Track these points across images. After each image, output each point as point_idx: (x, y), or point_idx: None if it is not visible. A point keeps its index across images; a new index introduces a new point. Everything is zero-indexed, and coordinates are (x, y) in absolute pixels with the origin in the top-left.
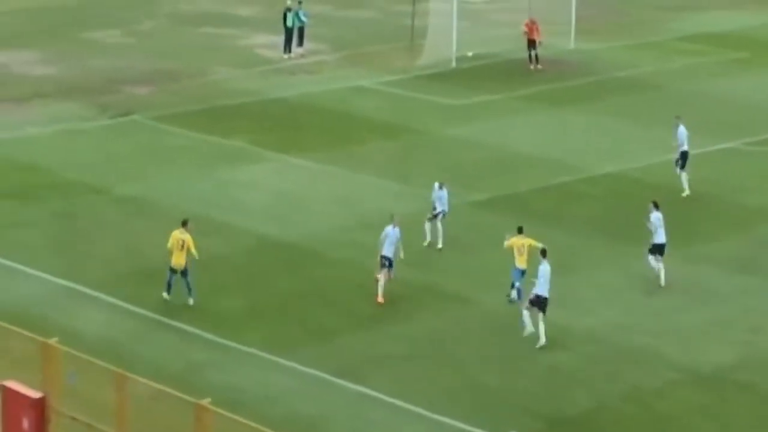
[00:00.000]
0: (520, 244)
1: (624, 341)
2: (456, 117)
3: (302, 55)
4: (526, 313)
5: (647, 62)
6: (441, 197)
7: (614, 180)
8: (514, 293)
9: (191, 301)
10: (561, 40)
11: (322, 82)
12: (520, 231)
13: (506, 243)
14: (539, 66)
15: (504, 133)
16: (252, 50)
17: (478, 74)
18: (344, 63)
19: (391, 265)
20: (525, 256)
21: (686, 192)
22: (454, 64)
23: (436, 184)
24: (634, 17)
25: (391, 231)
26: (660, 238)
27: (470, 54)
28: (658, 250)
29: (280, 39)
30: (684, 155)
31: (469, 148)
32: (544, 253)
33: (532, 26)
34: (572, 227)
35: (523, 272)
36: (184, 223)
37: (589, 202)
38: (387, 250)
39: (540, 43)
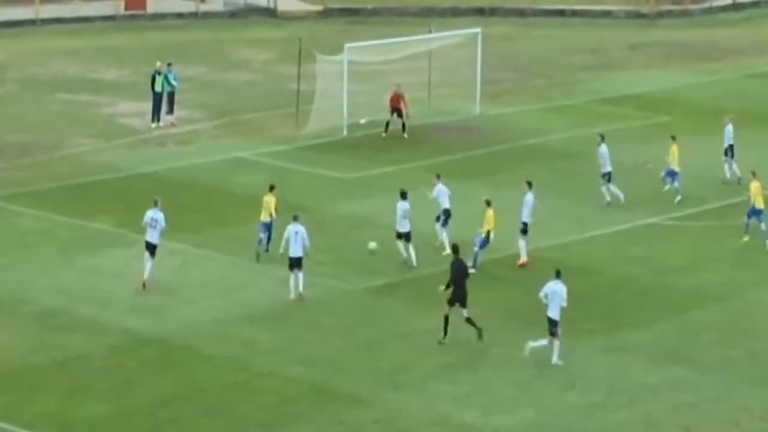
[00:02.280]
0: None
1: None
2: (349, 192)
3: (173, 124)
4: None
5: (562, 128)
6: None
7: (529, 260)
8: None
9: None
10: (466, 104)
11: (196, 155)
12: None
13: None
14: (405, 135)
15: None
16: (116, 119)
17: (373, 144)
18: (221, 132)
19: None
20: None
21: (446, 251)
22: (345, 132)
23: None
24: (547, 78)
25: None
26: (404, 227)
27: (363, 121)
28: (404, 237)
29: (148, 106)
30: (446, 213)
31: (364, 227)
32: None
33: (398, 99)
34: (483, 314)
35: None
36: None
37: (501, 286)
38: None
39: (408, 116)
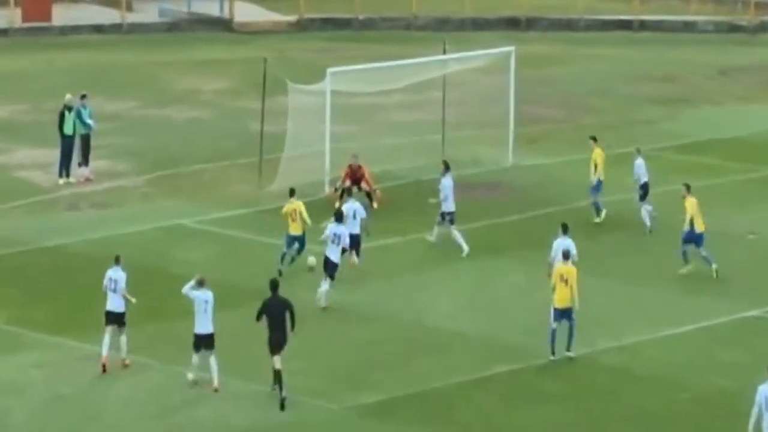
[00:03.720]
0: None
1: None
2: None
3: (88, 179)
4: None
5: (626, 185)
6: None
7: (582, 369)
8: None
9: None
10: (494, 151)
11: (121, 221)
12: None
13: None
14: (374, 205)
15: (411, 298)
16: (9, 172)
17: (366, 206)
18: (155, 190)
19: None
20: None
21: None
22: (327, 190)
23: None
24: (605, 116)
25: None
26: (334, 255)
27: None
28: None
29: (54, 154)
30: (355, 240)
31: (354, 322)
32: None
33: (356, 172)
34: None
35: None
36: None
37: (543, 405)
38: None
39: (376, 194)
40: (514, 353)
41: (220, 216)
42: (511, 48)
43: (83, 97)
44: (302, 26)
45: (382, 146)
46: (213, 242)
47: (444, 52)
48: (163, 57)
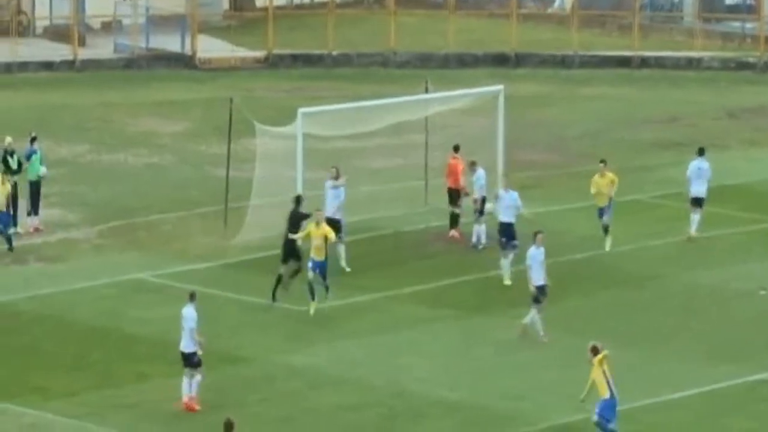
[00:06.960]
0: None
1: None
2: (306, 333)
3: (37, 230)
4: None
5: (627, 236)
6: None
7: None
8: None
9: None
10: None
11: (72, 276)
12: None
13: None
14: (455, 233)
15: (389, 361)
16: None
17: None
18: (109, 242)
19: None
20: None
21: None
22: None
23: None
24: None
25: None
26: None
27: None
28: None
29: None
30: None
31: (326, 386)
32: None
33: (456, 165)
34: None
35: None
36: None
37: None
38: None
39: (465, 193)
40: (499, 421)
41: (180, 270)
42: (500, 87)
43: (33, 140)
44: (271, 63)
45: (359, 194)
46: (173, 299)
47: (426, 92)
48: (118, 97)
